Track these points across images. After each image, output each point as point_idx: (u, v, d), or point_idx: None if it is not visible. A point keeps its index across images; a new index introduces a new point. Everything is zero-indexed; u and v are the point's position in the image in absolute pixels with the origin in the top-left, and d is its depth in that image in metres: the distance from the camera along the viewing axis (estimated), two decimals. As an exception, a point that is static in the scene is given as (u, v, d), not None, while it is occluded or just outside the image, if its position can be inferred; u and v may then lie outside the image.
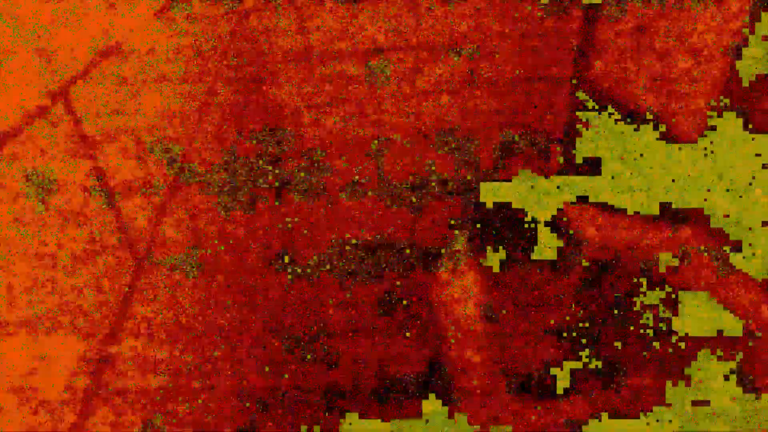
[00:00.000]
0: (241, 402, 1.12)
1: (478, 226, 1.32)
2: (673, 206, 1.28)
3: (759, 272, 1.23)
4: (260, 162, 1.83)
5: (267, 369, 1.53)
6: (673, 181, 1.49)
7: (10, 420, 0.39)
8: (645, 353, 1.73)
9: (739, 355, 1.29)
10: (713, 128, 1.32)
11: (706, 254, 1.30)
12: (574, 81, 2.11)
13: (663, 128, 1.62)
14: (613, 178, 1.79)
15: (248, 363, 1.24)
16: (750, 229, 1.23)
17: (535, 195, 1.53)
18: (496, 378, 1.33)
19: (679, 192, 1.44)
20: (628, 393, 1.33)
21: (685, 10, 1.49)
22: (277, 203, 2.20)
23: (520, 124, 2.33)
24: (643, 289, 1.75)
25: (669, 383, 1.34)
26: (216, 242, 1.07)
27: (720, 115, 1.32)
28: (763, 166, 1.27)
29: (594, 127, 1.58)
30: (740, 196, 1.23)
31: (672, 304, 1.60)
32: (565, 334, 1.63)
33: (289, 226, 2.42)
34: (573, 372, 1.99)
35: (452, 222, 2.09)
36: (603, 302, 2.07)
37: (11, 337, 0.39)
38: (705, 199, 1.27)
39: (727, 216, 1.25)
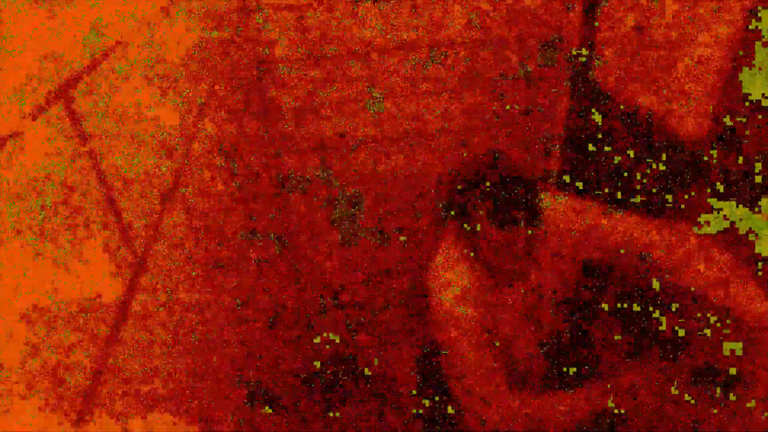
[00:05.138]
0: (239, 390, 1.12)
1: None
2: None
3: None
4: (260, 161, 1.83)
5: (266, 368, 1.53)
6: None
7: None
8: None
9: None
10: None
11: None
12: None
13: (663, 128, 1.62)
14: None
15: (249, 363, 1.24)
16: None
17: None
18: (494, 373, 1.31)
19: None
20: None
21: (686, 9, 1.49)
22: (277, 201, 2.20)
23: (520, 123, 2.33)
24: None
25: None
26: (216, 243, 1.07)
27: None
28: None
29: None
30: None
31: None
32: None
33: (291, 228, 2.42)
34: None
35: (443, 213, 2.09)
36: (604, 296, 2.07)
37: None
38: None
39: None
